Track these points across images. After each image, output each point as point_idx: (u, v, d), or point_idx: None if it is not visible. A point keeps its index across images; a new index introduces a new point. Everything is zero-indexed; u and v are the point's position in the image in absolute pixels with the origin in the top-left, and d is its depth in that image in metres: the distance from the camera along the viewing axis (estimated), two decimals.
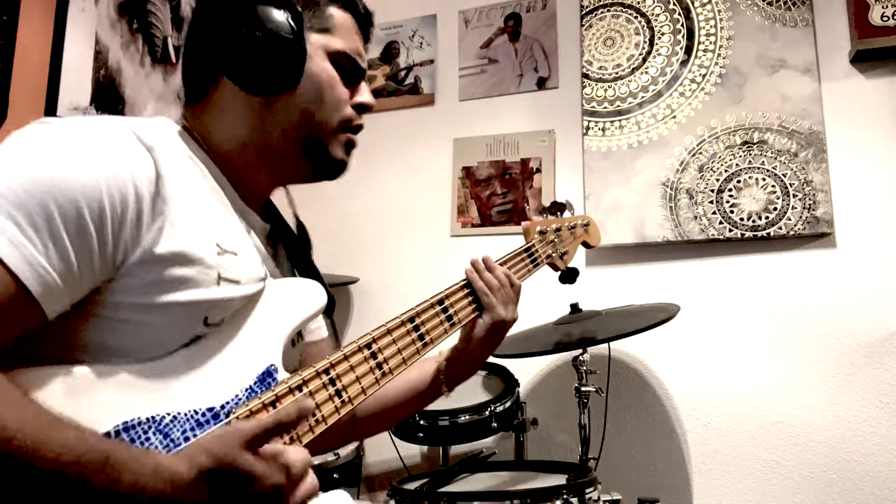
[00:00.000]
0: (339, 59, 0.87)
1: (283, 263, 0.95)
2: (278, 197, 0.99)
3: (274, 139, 0.85)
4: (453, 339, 1.07)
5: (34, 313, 0.63)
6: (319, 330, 1.05)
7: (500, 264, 1.09)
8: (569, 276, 1.23)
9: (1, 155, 0.64)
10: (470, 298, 1.04)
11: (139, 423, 0.66)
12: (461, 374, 1.08)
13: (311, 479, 0.70)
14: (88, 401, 0.64)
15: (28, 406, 0.58)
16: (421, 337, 0.94)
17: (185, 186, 0.74)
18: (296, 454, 0.69)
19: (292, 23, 0.81)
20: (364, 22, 0.92)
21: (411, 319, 0.94)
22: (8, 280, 0.60)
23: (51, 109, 1.78)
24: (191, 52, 0.87)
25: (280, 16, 0.81)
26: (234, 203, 0.84)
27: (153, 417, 0.68)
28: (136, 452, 0.61)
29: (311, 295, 0.87)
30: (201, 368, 0.73)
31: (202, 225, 0.74)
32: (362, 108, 0.91)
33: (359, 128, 0.91)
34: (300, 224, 0.99)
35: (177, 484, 0.60)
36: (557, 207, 1.25)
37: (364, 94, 0.91)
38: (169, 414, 0.69)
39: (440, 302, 0.99)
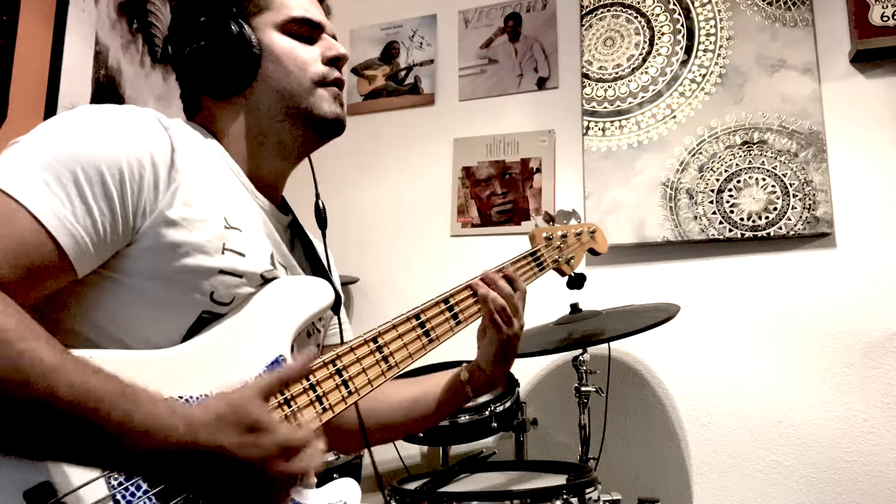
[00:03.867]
0: (289, 28, 0.90)
1: (298, 256, 0.98)
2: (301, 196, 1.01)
3: (265, 125, 0.90)
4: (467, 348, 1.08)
5: (65, 270, 0.68)
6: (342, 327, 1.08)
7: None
8: (576, 281, 1.25)
9: (34, 133, 0.71)
10: (475, 298, 1.04)
11: None
12: (484, 388, 1.08)
13: (316, 454, 0.70)
14: None
15: (53, 344, 0.60)
16: (427, 333, 0.96)
17: (199, 164, 0.79)
18: (307, 429, 0.71)
19: (222, 20, 0.86)
20: None
21: (417, 316, 0.96)
22: (43, 236, 0.65)
23: (51, 109, 1.77)
24: (178, 78, 0.95)
25: (210, 19, 0.86)
26: (246, 187, 0.88)
27: None
28: (151, 392, 0.63)
29: (319, 292, 0.89)
30: (212, 355, 0.76)
31: (212, 199, 0.79)
32: (334, 61, 0.93)
33: (337, 81, 0.93)
34: (318, 207, 1.02)
35: (191, 422, 0.62)
36: (564, 216, 1.28)
37: (331, 49, 0.93)
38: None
39: (446, 301, 1.00)
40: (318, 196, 1.01)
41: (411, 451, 2.18)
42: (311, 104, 0.90)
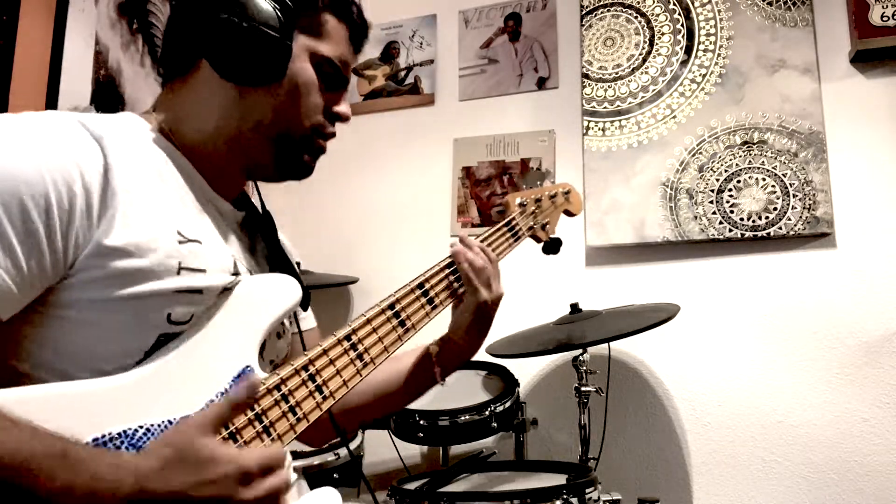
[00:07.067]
0: (323, 65, 0.86)
1: (259, 254, 0.94)
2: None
3: (245, 131, 0.84)
4: (442, 325, 1.07)
5: None
6: (309, 319, 1.04)
7: (482, 241, 1.06)
8: (552, 246, 1.20)
9: None
10: (452, 278, 1.01)
11: (111, 439, 0.64)
12: (454, 361, 1.05)
13: (281, 473, 0.68)
14: (58, 418, 0.62)
15: None
16: (402, 323, 0.93)
17: (140, 176, 0.72)
18: (266, 449, 0.69)
19: (281, 19, 0.80)
20: (357, 33, 0.91)
21: (391, 306, 0.93)
22: None
23: (51, 109, 1.78)
24: (175, 29, 0.86)
25: (270, 10, 0.80)
26: (202, 191, 0.83)
27: (125, 432, 0.66)
28: (93, 449, 0.61)
29: (284, 290, 0.83)
30: (173, 375, 0.71)
31: (160, 214, 0.72)
32: (337, 118, 0.89)
33: (330, 135, 0.90)
34: (267, 213, 0.97)
35: (138, 472, 0.60)
36: (537, 177, 1.24)
37: (342, 105, 0.89)
38: (142, 427, 0.67)
39: (420, 286, 0.97)
40: (263, 205, 0.97)
41: (411, 451, 2.18)
42: (297, 144, 0.86)
